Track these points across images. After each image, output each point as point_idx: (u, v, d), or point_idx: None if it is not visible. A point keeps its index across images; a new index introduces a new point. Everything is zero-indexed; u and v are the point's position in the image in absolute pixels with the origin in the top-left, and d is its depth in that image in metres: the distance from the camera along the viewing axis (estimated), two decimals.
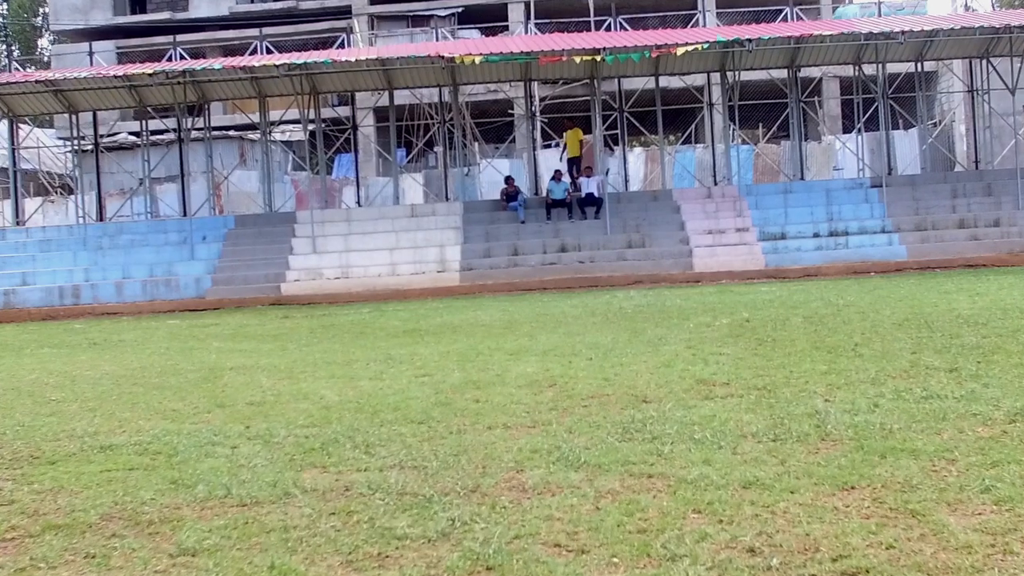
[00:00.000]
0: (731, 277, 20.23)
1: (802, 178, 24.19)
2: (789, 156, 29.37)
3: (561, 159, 24.48)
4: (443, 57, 20.22)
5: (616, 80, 27.21)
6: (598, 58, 20.00)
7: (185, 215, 24.54)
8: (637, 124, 24.26)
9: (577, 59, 20.00)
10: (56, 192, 32.71)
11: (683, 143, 31.04)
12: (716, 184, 24.10)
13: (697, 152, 30.13)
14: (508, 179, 22.96)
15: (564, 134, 24.10)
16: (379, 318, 15.66)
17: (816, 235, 21.64)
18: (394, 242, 22.10)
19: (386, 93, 26.81)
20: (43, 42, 55.33)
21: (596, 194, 22.28)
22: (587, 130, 30.00)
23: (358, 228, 22.58)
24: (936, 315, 10.76)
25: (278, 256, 22.07)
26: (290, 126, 33.47)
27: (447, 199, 24.06)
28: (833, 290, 16.08)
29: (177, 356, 10.92)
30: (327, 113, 30.73)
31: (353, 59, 20.47)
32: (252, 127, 31.65)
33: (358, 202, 25.28)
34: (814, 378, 6.67)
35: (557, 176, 22.67)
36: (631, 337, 10.22)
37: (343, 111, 31.76)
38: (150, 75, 21.11)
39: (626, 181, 25.02)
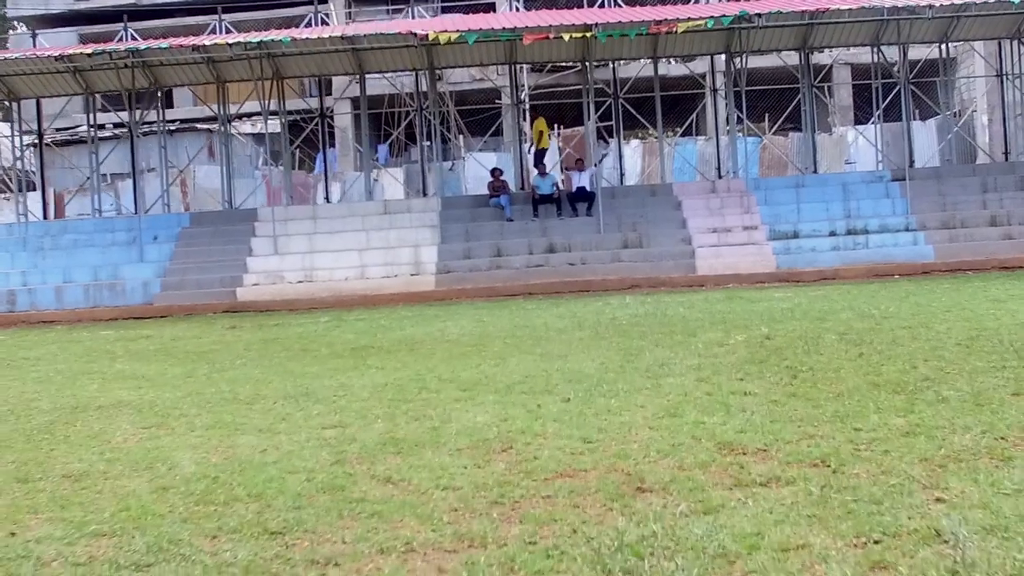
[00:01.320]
0: (738, 281, 18.03)
1: (815, 171, 21.99)
2: (798, 148, 27.24)
3: (528, 151, 22.31)
4: (415, 35, 18.01)
5: (610, 66, 25.04)
6: (589, 35, 17.80)
7: (137, 213, 22.30)
8: (633, 112, 22.05)
9: (566, 37, 17.80)
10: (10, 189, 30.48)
11: (683, 135, 28.84)
12: (720, 178, 21.90)
13: (699, 144, 27.96)
14: (494, 171, 20.77)
15: (532, 125, 21.96)
16: (333, 330, 13.47)
17: (832, 234, 19.44)
18: (364, 242, 19.89)
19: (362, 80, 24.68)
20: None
21: (588, 188, 20.09)
22: (575, 122, 27.90)
23: (325, 227, 20.37)
24: (1007, 331, 8.57)
25: (235, 258, 19.85)
26: (262, 117, 31.28)
27: (425, 195, 21.85)
28: (859, 297, 13.90)
29: (56, 385, 8.72)
30: (300, 103, 28.62)
31: (315, 36, 18.26)
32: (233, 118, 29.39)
33: (326, 198, 23.04)
34: (896, 445, 4.46)
35: (542, 170, 20.48)
36: (624, 362, 8.03)
37: (316, 101, 29.59)
38: (90, 55, 18.90)
39: (621, 175, 22.83)
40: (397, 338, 11.69)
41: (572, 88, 28.95)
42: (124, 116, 23.77)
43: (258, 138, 31.37)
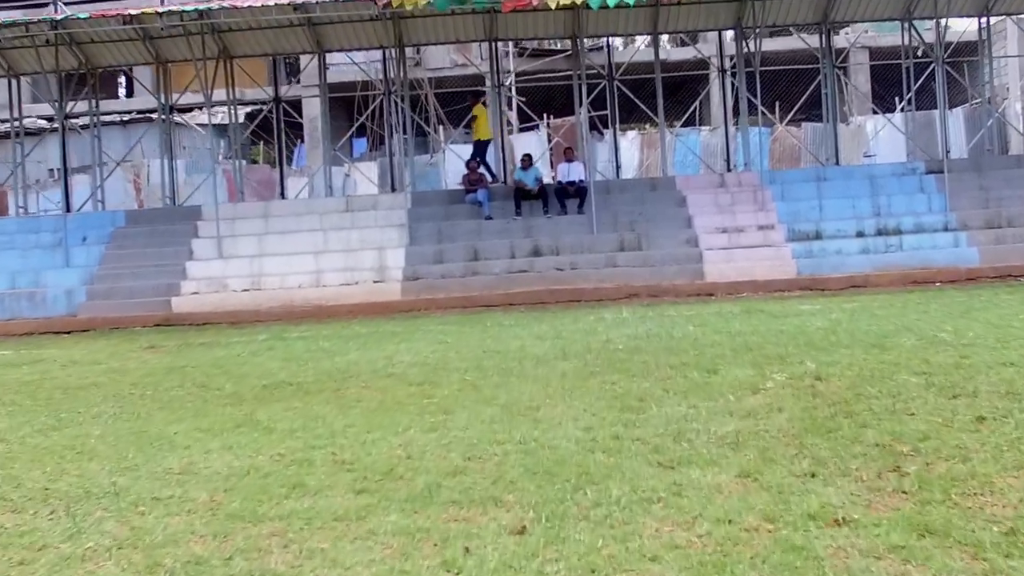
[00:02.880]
0: (754, 289, 15.44)
1: (837, 162, 19.38)
2: (812, 140, 24.67)
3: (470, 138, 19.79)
4: (376, 2, 15.39)
5: (605, 45, 22.49)
6: (579, 2, 15.19)
7: (69, 211, 19.65)
8: (631, 95, 19.42)
9: (552, 4, 15.19)
10: None
11: (684, 125, 26.21)
12: (730, 170, 19.28)
13: (703, 135, 25.37)
14: (470, 162, 18.16)
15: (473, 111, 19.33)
16: (261, 354, 10.87)
17: (860, 234, 16.85)
18: (321, 243, 17.27)
19: (328, 62, 22.10)
20: None
21: (581, 181, 17.49)
22: (565, 111, 25.29)
23: (278, 226, 17.74)
24: None
25: (174, 261, 17.23)
26: (225, 108, 28.62)
27: (393, 190, 19.18)
28: (908, 311, 11.32)
29: None
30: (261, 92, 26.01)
31: (259, 4, 15.63)
32: (185, 109, 26.84)
33: (281, 194, 20.38)
34: None
35: (526, 162, 17.86)
36: (622, 427, 5.44)
37: (284, 88, 26.97)
38: (1, 27, 16.25)
39: (618, 167, 20.22)
40: (330, 369, 9.09)
41: (562, 73, 26.34)
42: (51, 108, 21.13)
43: (221, 130, 28.71)
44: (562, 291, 15.63)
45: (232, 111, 19.55)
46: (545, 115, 26.28)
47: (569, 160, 17.89)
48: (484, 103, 19.11)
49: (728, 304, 14.05)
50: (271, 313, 15.85)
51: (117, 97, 33.38)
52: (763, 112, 19.66)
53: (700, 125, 26.46)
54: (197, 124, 27.36)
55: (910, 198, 17.46)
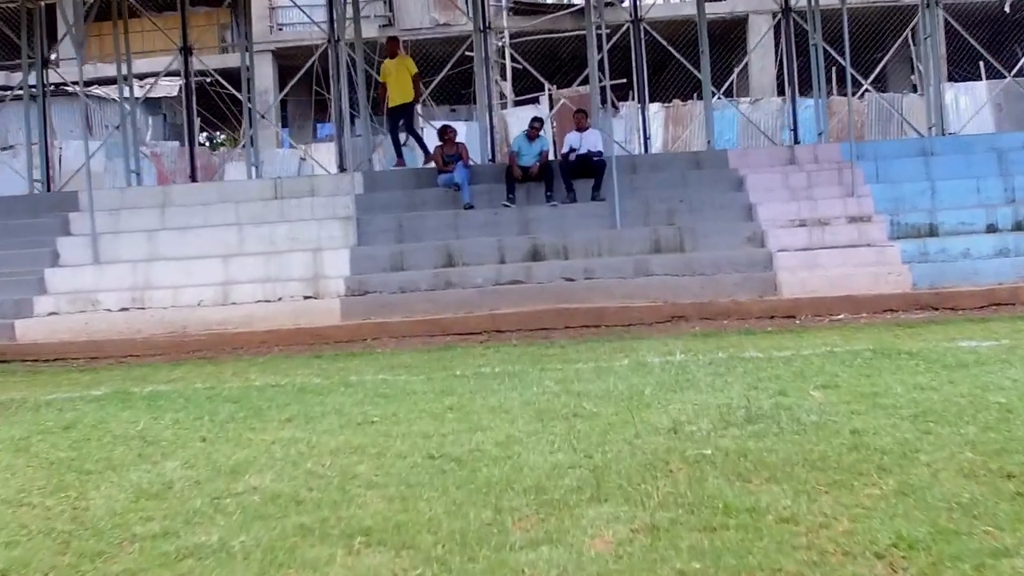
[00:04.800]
0: (853, 308, 10.52)
1: (943, 132, 14.38)
2: (878, 114, 19.81)
3: (381, 107, 14.71)
4: None
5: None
6: None
7: None
8: (665, 43, 14.47)
9: None
10: None
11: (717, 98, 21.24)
12: (798, 142, 14.30)
13: (744, 108, 20.43)
14: (444, 130, 13.18)
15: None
16: (50, 436, 5.95)
17: (992, 228, 11.94)
18: (235, 243, 12.36)
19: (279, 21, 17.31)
20: None
21: (599, 154, 12.58)
22: (574, 80, 20.24)
23: (178, 219, 12.83)
24: None
25: (29, 269, 12.30)
26: (163, 80, 23.67)
27: (343, 170, 14.14)
28: None
29: None
30: (213, 61, 21.22)
31: None
32: (110, 81, 21.94)
33: (192, 175, 15.31)
34: None
35: (535, 129, 12.90)
36: None
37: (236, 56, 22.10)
38: None
39: (646, 140, 15.24)
40: (134, 486, 4.17)
41: (568, 34, 21.42)
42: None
43: (153, 107, 23.74)
44: (573, 312, 10.70)
45: (123, 75, 14.57)
46: (547, 86, 21.38)
47: (580, 128, 12.93)
48: (397, 51, 13.81)
49: (829, 335, 9.12)
50: (152, 344, 10.92)
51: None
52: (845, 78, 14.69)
53: (737, 96, 21.49)
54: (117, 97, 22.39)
55: None
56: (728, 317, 10.61)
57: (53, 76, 25.16)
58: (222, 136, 26.55)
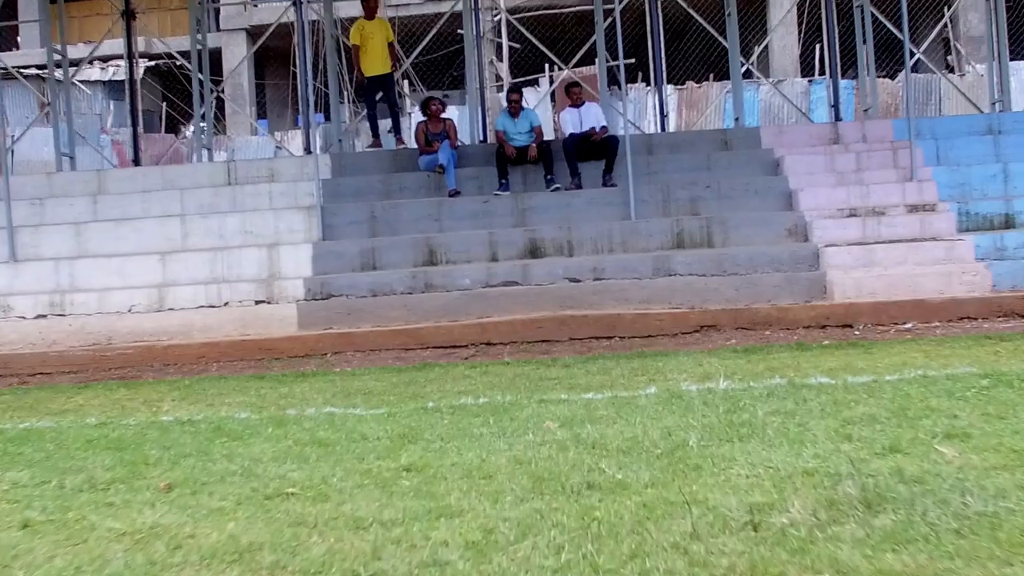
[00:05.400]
0: (922, 315, 8.57)
1: (1006, 107, 12.37)
2: (914, 95, 17.84)
3: (352, 83, 12.73)
4: None
5: None
6: None
7: None
8: (686, 7, 12.50)
9: None
10: None
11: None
12: (839, 119, 12.31)
13: (763, 92, 18.51)
14: (427, 103, 11.17)
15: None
16: None
17: None
18: (177, 238, 10.41)
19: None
20: None
21: (604, 129, 10.63)
22: (578, 59, 18.15)
23: (112, 209, 10.88)
24: None
25: None
26: (116, 62, 21.74)
27: (309, 151, 12.13)
28: None
29: None
30: (176, 43, 19.35)
31: None
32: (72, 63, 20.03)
33: (135, 159, 13.27)
34: None
35: (513, 102, 10.91)
36: None
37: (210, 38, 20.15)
38: None
39: (663, 118, 13.25)
40: None
41: (570, 10, 19.49)
42: None
43: (116, 92, 21.81)
44: (580, 321, 8.74)
45: (48, 54, 12.61)
46: (547, 67, 19.42)
47: (576, 104, 10.95)
48: (377, 10, 11.71)
49: (906, 350, 7.15)
50: (67, 359, 8.98)
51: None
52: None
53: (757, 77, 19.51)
54: (80, 81, 20.47)
55: None
56: (770, 327, 8.65)
57: (13, 59, 23.17)
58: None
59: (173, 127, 21.59)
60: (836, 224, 9.81)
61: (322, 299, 9.47)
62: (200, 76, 12.40)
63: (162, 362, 8.79)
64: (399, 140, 11.68)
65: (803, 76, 19.35)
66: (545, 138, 11.01)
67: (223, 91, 21.17)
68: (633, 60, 17.98)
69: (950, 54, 20.09)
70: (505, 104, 11.05)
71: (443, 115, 11.03)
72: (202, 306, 9.55)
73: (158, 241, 10.32)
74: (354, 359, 8.41)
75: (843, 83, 19.18)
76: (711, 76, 19.53)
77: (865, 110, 12.15)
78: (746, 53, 20.23)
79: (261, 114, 22.37)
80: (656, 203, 10.28)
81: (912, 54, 19.96)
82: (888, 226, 9.80)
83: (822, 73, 19.76)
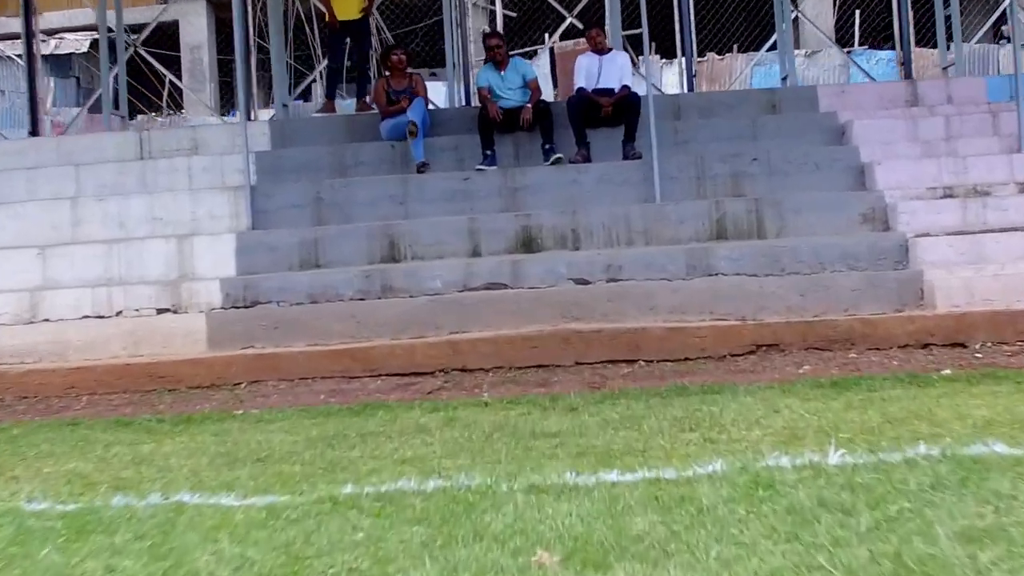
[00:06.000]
0: None
1: None
2: (968, 68, 15.44)
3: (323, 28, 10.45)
4: None
5: None
6: None
7: None
8: None
9: None
10: None
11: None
12: (909, 76, 9.86)
13: (798, 63, 16.06)
14: (388, 53, 8.68)
15: None
16: None
17: None
18: (65, 226, 8.01)
19: None
20: None
21: (625, 90, 8.23)
22: (575, 31, 15.81)
23: None
24: None
25: None
26: (69, 35, 19.30)
27: (250, 119, 9.66)
28: None
29: None
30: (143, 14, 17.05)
31: None
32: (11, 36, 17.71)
33: (32, 128, 10.77)
34: None
35: (495, 49, 8.44)
36: None
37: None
38: None
39: (691, 78, 10.78)
40: None
41: None
42: None
43: (62, 69, 19.39)
44: (591, 338, 6.31)
45: None
46: (548, 35, 16.97)
47: (599, 50, 8.53)
48: None
49: None
50: None
51: None
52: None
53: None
54: (17, 55, 18.04)
55: None
56: (853, 345, 6.25)
57: None
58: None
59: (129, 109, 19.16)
60: (927, 207, 7.40)
61: (244, 307, 7.07)
62: (111, 25, 10.00)
63: (17, 394, 6.41)
64: (362, 104, 9.28)
65: (843, 46, 16.95)
66: (544, 98, 8.60)
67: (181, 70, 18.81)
68: (643, 29, 15.60)
69: (1005, 23, 17.66)
70: (487, 51, 8.62)
71: (410, 70, 8.60)
72: (87, 316, 7.15)
73: (41, 231, 7.92)
74: (274, 393, 6.02)
75: (883, 54, 16.88)
76: (734, 47, 17.14)
77: (944, 68, 9.72)
78: (772, 24, 17.87)
79: (228, 95, 19.99)
80: (688, 180, 7.88)
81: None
82: (996, 209, 7.38)
83: (862, 43, 17.38)
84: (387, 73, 8.52)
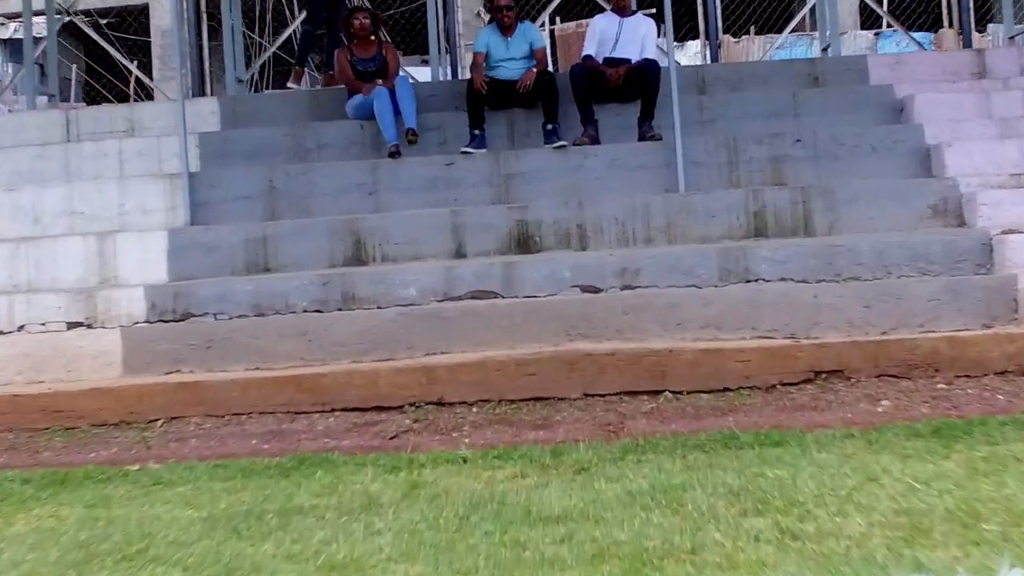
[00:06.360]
0: None
1: None
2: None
3: None
4: None
5: None
6: None
7: None
8: None
9: None
10: None
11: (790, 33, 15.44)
12: (969, 46, 8.51)
13: (816, 49, 14.72)
14: (350, 17, 7.27)
15: None
16: None
17: None
18: None
19: None
20: None
21: (646, 63, 6.86)
22: (578, 11, 14.36)
23: None
24: None
25: None
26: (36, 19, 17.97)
27: (200, 95, 8.33)
28: None
29: None
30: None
31: None
32: None
33: None
34: None
35: (504, 15, 7.07)
36: None
37: None
38: None
39: (715, 47, 9.39)
40: None
41: None
42: None
43: (19, 52, 18.05)
44: (603, 362, 4.94)
45: None
46: (553, 18, 15.59)
47: (621, 10, 7.16)
48: None
49: None
50: None
51: None
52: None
53: (809, 31, 15.71)
54: None
55: None
56: (938, 372, 4.90)
57: None
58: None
59: (94, 99, 17.83)
60: (1012, 197, 6.04)
61: (173, 320, 5.71)
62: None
63: None
64: (328, 78, 7.92)
65: (870, 29, 15.65)
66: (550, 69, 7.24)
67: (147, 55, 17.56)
68: (654, 9, 14.25)
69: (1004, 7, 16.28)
70: (490, 14, 7.25)
71: (383, 38, 7.26)
72: None
73: None
74: (193, 436, 4.66)
75: (920, 36, 15.52)
76: (751, 29, 15.80)
77: (1011, 37, 8.36)
78: (791, 4, 16.55)
79: (202, 81, 18.65)
80: (717, 166, 6.52)
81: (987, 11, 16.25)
82: None
83: (890, 25, 16.02)
84: (351, 38, 7.12)
